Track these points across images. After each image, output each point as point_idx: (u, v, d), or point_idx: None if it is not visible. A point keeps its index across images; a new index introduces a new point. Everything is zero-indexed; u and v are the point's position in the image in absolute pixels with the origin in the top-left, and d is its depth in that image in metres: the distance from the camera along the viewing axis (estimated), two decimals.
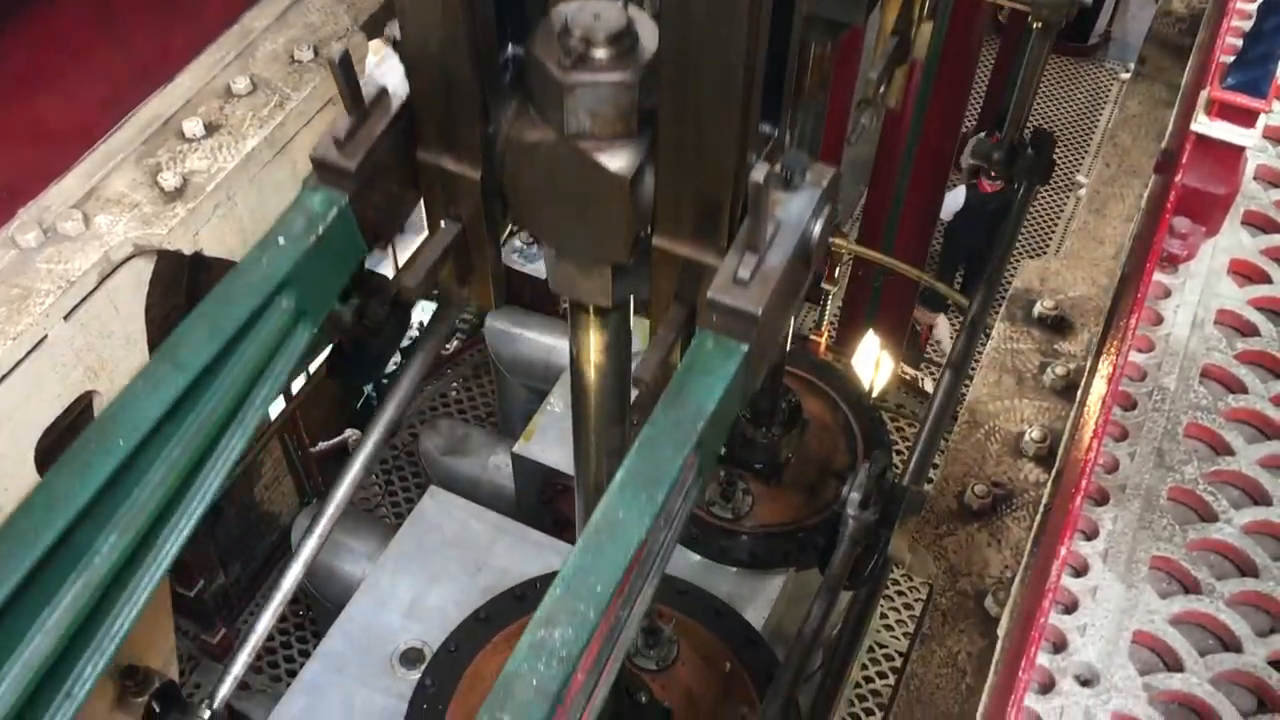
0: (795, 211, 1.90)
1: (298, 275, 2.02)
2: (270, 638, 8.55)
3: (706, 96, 1.82)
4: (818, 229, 1.91)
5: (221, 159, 3.34)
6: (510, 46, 2.05)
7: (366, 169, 2.04)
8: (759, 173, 1.76)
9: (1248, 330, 2.29)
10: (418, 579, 5.72)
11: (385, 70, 2.08)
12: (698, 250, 2.02)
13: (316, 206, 2.04)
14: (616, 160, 1.96)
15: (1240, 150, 2.37)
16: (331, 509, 3.14)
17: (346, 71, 1.95)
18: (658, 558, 1.89)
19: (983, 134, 12.02)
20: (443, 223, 2.23)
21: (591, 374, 2.64)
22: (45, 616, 1.78)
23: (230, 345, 1.95)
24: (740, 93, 1.79)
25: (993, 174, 11.07)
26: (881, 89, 2.73)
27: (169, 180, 3.23)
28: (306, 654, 7.84)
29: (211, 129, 3.42)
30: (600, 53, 1.89)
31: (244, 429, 2.01)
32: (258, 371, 2.01)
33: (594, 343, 2.57)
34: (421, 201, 2.29)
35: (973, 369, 6.04)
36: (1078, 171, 13.16)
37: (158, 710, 2.92)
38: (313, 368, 9.07)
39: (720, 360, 1.88)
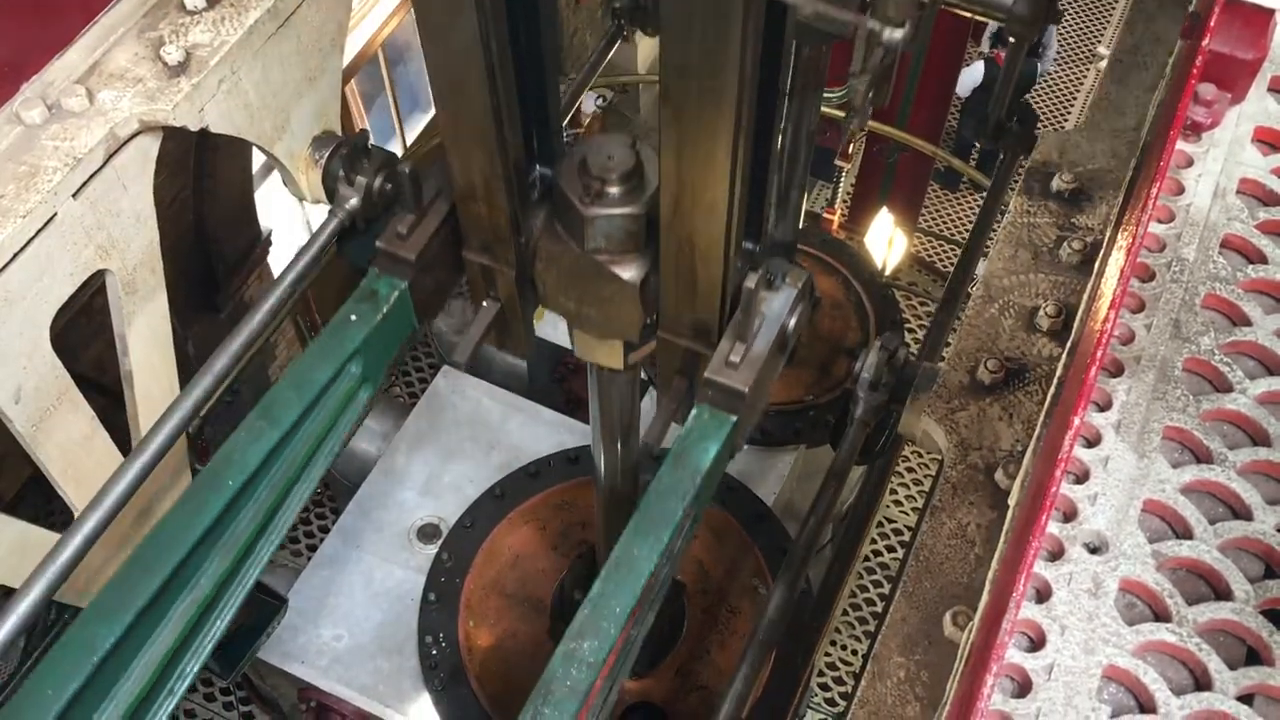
0: (776, 308, 2.32)
1: (364, 347, 2.49)
2: None
3: (699, 233, 2.18)
4: (794, 323, 2.35)
5: (224, 32, 3.26)
6: (538, 168, 2.49)
7: (422, 260, 2.50)
8: (751, 280, 2.19)
9: (1270, 200, 2.25)
10: (432, 457, 5.79)
11: None
12: (695, 342, 2.48)
13: (382, 290, 2.52)
14: (628, 271, 2.40)
15: (1270, 13, 2.31)
16: None
17: (413, 180, 2.44)
18: (660, 587, 2.30)
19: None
20: (485, 301, 2.68)
21: (606, 435, 3.33)
22: (162, 628, 2.22)
23: (312, 405, 2.43)
24: (725, 229, 2.14)
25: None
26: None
27: (172, 54, 3.15)
28: (327, 530, 7.96)
29: (213, 0, 3.33)
30: (614, 190, 2.30)
31: (315, 473, 2.51)
32: (329, 426, 2.51)
33: (610, 403, 3.16)
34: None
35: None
36: (1099, 43, 12.85)
37: None
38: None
39: (715, 428, 2.32)
